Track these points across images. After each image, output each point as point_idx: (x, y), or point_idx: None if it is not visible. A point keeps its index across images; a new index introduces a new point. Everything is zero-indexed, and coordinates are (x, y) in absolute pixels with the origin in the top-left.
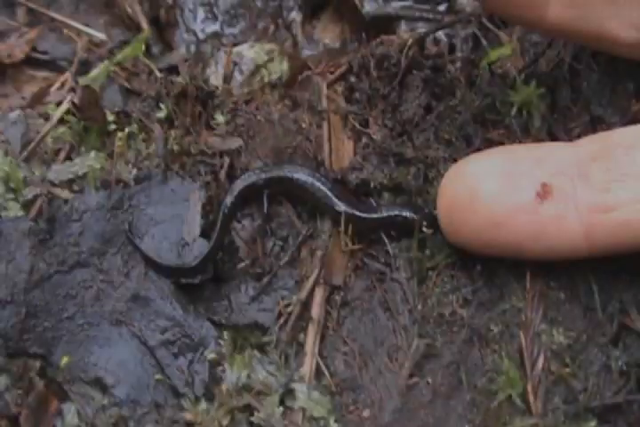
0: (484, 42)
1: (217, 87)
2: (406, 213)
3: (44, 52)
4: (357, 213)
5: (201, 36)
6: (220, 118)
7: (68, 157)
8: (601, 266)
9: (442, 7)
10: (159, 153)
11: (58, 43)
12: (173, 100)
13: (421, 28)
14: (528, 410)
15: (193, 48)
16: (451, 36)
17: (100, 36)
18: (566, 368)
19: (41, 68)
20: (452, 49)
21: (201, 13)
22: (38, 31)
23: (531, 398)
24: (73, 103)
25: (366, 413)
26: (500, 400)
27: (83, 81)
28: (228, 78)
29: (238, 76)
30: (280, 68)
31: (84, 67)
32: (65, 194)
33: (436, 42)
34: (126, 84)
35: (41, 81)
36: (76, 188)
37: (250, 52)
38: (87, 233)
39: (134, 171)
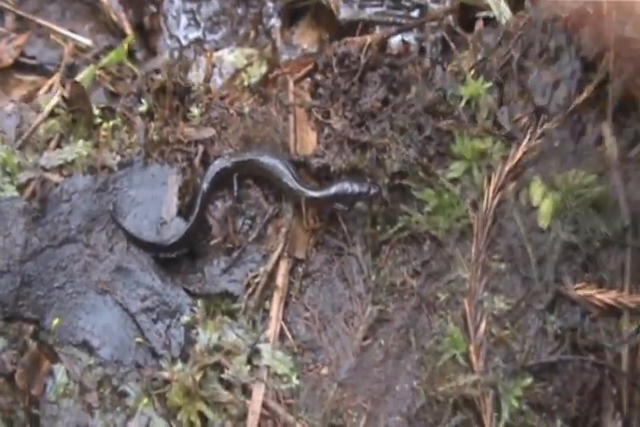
0: (452, 45)
1: (193, 84)
2: (352, 188)
3: (32, 57)
4: (310, 192)
5: (184, 42)
6: (195, 111)
7: (59, 146)
8: (538, 239)
9: (414, 13)
10: (140, 142)
11: (45, 48)
12: (153, 96)
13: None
14: (471, 368)
15: (176, 54)
16: (420, 39)
17: (86, 41)
18: (506, 331)
19: (29, 73)
20: (421, 52)
21: (184, 20)
22: (26, 37)
23: (473, 357)
24: (63, 97)
25: (325, 371)
26: (446, 360)
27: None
28: (208, 80)
29: (219, 80)
30: (259, 71)
31: (71, 71)
32: (56, 178)
33: (406, 44)
34: (111, 88)
35: (29, 85)
36: (65, 172)
37: (230, 57)
38: (75, 212)
39: (118, 158)
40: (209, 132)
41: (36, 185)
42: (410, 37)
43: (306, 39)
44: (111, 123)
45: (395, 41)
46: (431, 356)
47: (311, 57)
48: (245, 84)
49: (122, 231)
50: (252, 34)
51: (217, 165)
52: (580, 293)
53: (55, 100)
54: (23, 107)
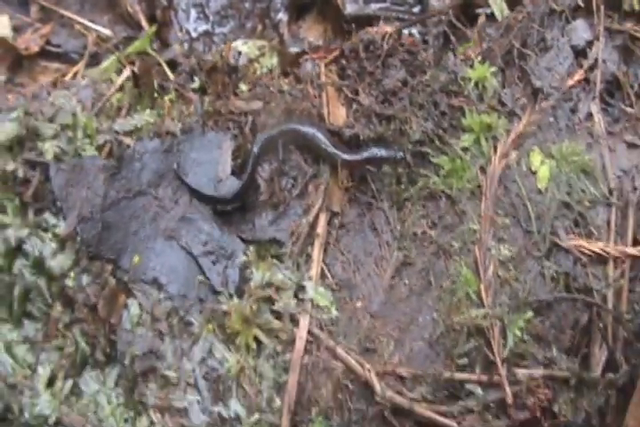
0: (453, 38)
1: (242, 65)
2: (381, 153)
3: (57, 46)
4: (344, 156)
5: (193, 34)
6: (243, 87)
7: (128, 114)
8: (537, 198)
9: (416, 9)
10: (198, 112)
11: (69, 37)
12: (206, 74)
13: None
14: (481, 303)
15: (186, 46)
16: (423, 33)
17: (106, 32)
18: (510, 273)
19: (54, 60)
20: (424, 44)
21: (193, 14)
22: (51, 27)
23: (483, 294)
24: (133, 71)
25: (359, 304)
26: (460, 296)
27: (91, 72)
28: (244, 68)
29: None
30: (270, 62)
31: (94, 59)
32: (128, 140)
33: (411, 37)
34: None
35: (54, 71)
36: (135, 136)
37: (243, 48)
38: (146, 170)
39: (179, 125)
40: (257, 104)
41: (111, 146)
42: (414, 31)
43: (312, 33)
44: (168, 97)
45: (404, 33)
46: (448, 293)
47: (331, 46)
48: (258, 73)
49: (185, 187)
50: (260, 27)
51: (265, 133)
52: (573, 243)
53: (126, 74)
54: (96, 80)
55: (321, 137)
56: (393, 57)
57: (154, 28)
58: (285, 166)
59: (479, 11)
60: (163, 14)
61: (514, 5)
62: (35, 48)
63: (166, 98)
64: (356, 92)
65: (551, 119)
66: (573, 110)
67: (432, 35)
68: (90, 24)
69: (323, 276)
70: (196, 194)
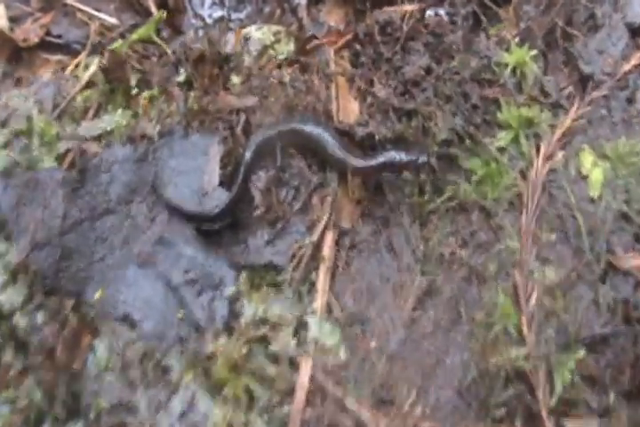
0: (484, 19)
1: (233, 53)
2: (400, 157)
3: (58, 36)
4: (356, 161)
5: (208, 21)
6: (235, 79)
7: (97, 115)
8: (589, 209)
9: None
10: (180, 111)
11: (71, 27)
12: (192, 65)
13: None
14: (522, 341)
15: (201, 33)
16: (451, 14)
17: (112, 20)
18: (557, 303)
19: (55, 52)
20: (452, 25)
21: None
22: (52, 16)
23: (525, 329)
24: (100, 66)
25: (373, 343)
26: (497, 332)
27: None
28: (237, 56)
29: (246, 57)
30: (287, 48)
31: (97, 50)
32: (94, 148)
33: (438, 17)
34: (137, 66)
35: (55, 64)
36: (104, 142)
37: (257, 34)
38: (115, 183)
39: (157, 127)
40: (251, 100)
41: (74, 155)
42: (441, 11)
43: (332, 17)
44: (148, 93)
45: (429, 13)
46: (482, 328)
47: (349, 27)
48: (274, 60)
49: (163, 202)
50: (278, 12)
51: (260, 135)
52: (633, 263)
53: (93, 68)
54: (60, 76)
55: (328, 138)
56: (415, 40)
57: (161, 14)
58: (285, 174)
59: None
60: (175, 0)
61: None
62: (34, 39)
63: (144, 94)
64: (371, 83)
65: (604, 112)
66: (630, 100)
67: (461, 15)
68: (94, 12)
69: (329, 308)
70: (176, 210)
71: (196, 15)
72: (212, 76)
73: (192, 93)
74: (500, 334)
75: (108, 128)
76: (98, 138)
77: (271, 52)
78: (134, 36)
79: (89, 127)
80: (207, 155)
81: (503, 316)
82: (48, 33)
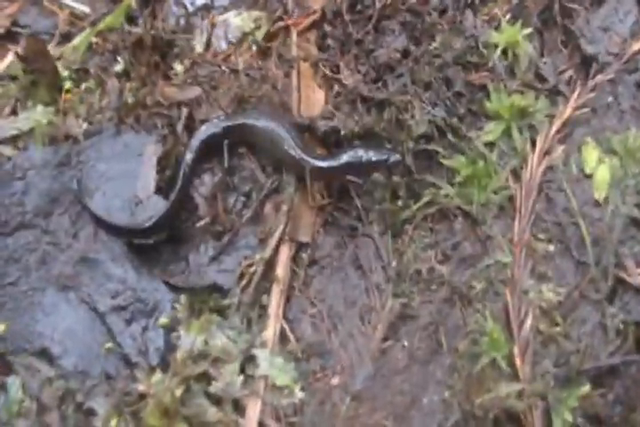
0: None
1: (177, 37)
2: (367, 156)
3: (25, 26)
4: (316, 162)
5: (190, 8)
6: (178, 68)
7: (14, 112)
8: (594, 214)
9: None
10: (112, 106)
11: (39, 17)
12: (130, 52)
13: None
14: (514, 375)
15: (182, 21)
16: None
17: (84, 8)
18: (557, 328)
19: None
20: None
21: None
22: (19, 5)
23: (517, 361)
24: (17, 54)
25: (336, 380)
26: (484, 365)
27: (63, 50)
28: (208, 44)
29: (224, 45)
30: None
31: (66, 40)
32: (8, 151)
33: None
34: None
35: None
36: (20, 144)
37: (236, 20)
38: (31, 192)
39: (85, 125)
40: (194, 91)
41: None
42: None
43: (318, 1)
44: (83, 86)
45: None
46: (466, 360)
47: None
48: (254, 48)
49: (88, 214)
50: None
51: (204, 131)
52: None
53: (9, 59)
54: None
55: (284, 134)
56: (390, 19)
57: (130, 1)
58: (233, 178)
59: None
60: None
61: None
62: (0, 30)
63: (68, 85)
64: (338, 69)
65: (610, 99)
66: None
67: None
68: (65, 0)
69: (283, 338)
70: (103, 223)
71: (178, 2)
72: (151, 64)
73: (128, 85)
74: (488, 368)
75: (26, 128)
76: (13, 139)
77: (250, 38)
78: (101, 26)
79: (3, 127)
80: (142, 156)
81: (491, 345)
82: (15, 23)
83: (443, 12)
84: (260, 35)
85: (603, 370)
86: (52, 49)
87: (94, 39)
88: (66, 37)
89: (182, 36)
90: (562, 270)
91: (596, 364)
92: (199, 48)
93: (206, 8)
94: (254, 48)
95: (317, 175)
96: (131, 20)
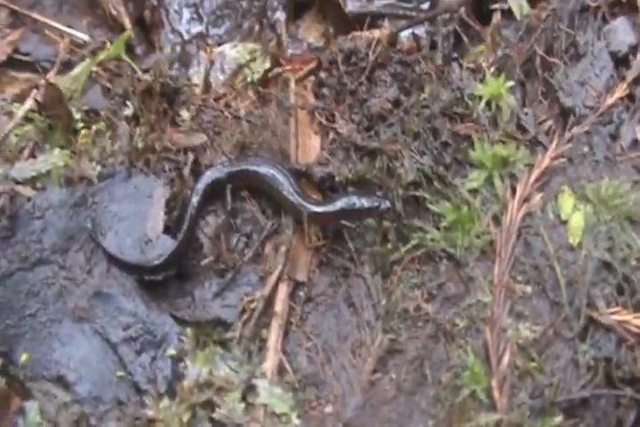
0: (466, 38)
1: (184, 84)
2: (360, 203)
3: (27, 54)
4: (313, 207)
5: (186, 36)
6: (185, 115)
7: (32, 155)
8: (568, 258)
9: (425, 5)
10: (124, 150)
11: (40, 44)
12: (140, 98)
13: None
14: (493, 406)
15: (178, 49)
16: (432, 33)
17: (83, 37)
18: (532, 363)
19: (23, 70)
20: (433, 46)
21: (186, 14)
22: (20, 33)
23: (496, 393)
24: (36, 101)
25: (329, 409)
26: (465, 396)
27: (61, 80)
28: (207, 76)
29: (220, 76)
30: (263, 67)
31: (67, 68)
32: (27, 191)
33: (417, 39)
34: (108, 85)
35: (23, 82)
36: (39, 185)
37: (232, 52)
38: (49, 230)
39: (98, 168)
40: (200, 138)
41: (5, 200)
42: (421, 31)
43: (312, 33)
44: (94, 128)
45: (404, 35)
46: (449, 391)
47: (315, 53)
48: (249, 80)
49: (101, 251)
50: (257, 28)
51: (209, 176)
52: (616, 318)
53: (29, 104)
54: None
55: (283, 181)
56: (382, 70)
57: (130, 33)
58: (236, 220)
59: (495, 6)
60: (152, 15)
61: (536, 1)
62: (2, 57)
63: (83, 131)
64: (333, 118)
65: (586, 149)
66: (614, 137)
67: (441, 35)
68: (64, 28)
69: (281, 370)
70: (115, 260)
71: (174, 30)
72: (159, 110)
73: (138, 130)
74: (469, 399)
75: (44, 169)
76: (32, 180)
77: (246, 71)
78: (102, 56)
79: (23, 168)
80: (151, 198)
81: (472, 378)
82: (16, 50)
83: (431, 60)
84: (256, 68)
85: (575, 402)
86: (52, 78)
87: (94, 68)
88: (66, 66)
89: (188, 83)
90: (538, 310)
91: (568, 396)
92: (197, 79)
93: (201, 36)
94: (250, 93)
95: (314, 219)
96: (129, 48)
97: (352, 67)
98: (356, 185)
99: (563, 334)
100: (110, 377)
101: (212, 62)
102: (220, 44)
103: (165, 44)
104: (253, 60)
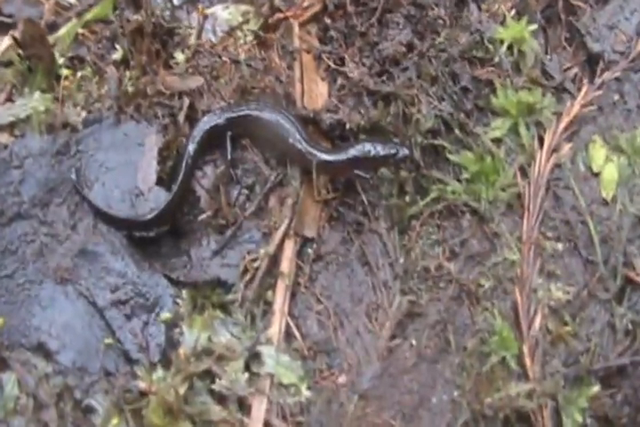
0: None
1: (179, 25)
2: (376, 150)
3: (10, 15)
4: (323, 155)
5: (176, 2)
6: (179, 57)
7: (10, 99)
8: (602, 213)
9: None
10: (112, 94)
11: (24, 5)
12: (130, 39)
13: None
14: (524, 374)
15: (168, 14)
16: None
17: None
18: (566, 327)
19: (6, 32)
20: None
21: None
22: None
23: (527, 360)
24: (14, 38)
25: (342, 379)
26: (493, 364)
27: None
28: (199, 37)
29: (212, 38)
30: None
31: (52, 30)
32: (4, 138)
33: None
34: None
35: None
36: (17, 132)
37: (224, 13)
38: (29, 181)
39: (83, 113)
40: (196, 81)
41: None
42: None
43: None
44: (79, 74)
45: None
46: (474, 359)
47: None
48: (242, 42)
49: (87, 205)
50: None
51: (206, 122)
52: None
53: (6, 43)
54: None
55: (289, 127)
56: (394, 12)
57: None
58: (237, 170)
59: None
60: None
61: None
62: None
63: (66, 73)
64: (342, 61)
65: (616, 97)
66: None
67: None
68: None
69: (288, 336)
70: (102, 215)
71: None
72: (151, 52)
73: (128, 73)
74: (497, 367)
75: (23, 115)
76: (9, 126)
77: (238, 33)
78: (89, 16)
79: None
80: (142, 147)
81: (500, 344)
82: None
83: (446, 5)
84: (253, 26)
85: (611, 370)
86: None
87: (81, 30)
88: (51, 27)
89: (183, 24)
90: (570, 269)
91: (605, 364)
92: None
93: (192, 1)
94: (250, 39)
95: (324, 169)
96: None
97: (362, 7)
98: (369, 133)
99: (598, 296)
100: (97, 345)
101: (204, 17)
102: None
103: (154, 9)
104: (246, 21)
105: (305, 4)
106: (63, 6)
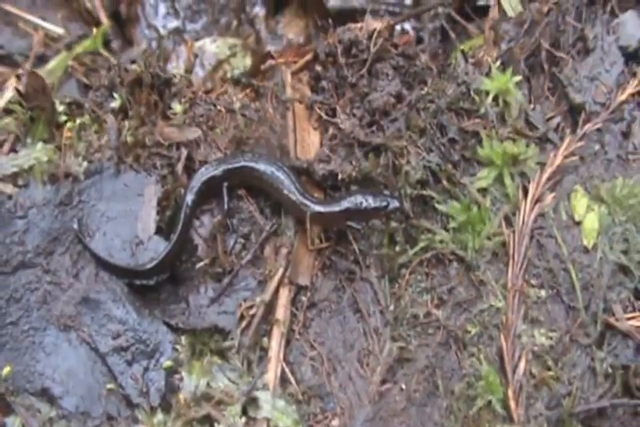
0: (453, 35)
1: (174, 75)
2: (367, 202)
3: (0, 47)
4: (316, 206)
5: (162, 31)
6: (177, 108)
7: (13, 149)
8: (583, 260)
9: (408, 1)
10: (112, 145)
11: (14, 37)
12: (128, 89)
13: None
14: (509, 417)
15: (154, 44)
16: (418, 29)
17: (58, 30)
18: (549, 371)
19: None
20: (419, 42)
21: (162, 9)
22: None
23: (512, 404)
24: (18, 90)
25: (335, 422)
26: (479, 407)
27: (42, 73)
28: (189, 72)
29: (200, 72)
30: (243, 62)
31: (41, 62)
32: (9, 189)
33: (405, 34)
34: (84, 80)
35: None
36: (20, 182)
37: (212, 47)
38: (33, 231)
39: (84, 164)
40: (194, 132)
41: None
42: (407, 26)
43: (292, 29)
44: (78, 121)
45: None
46: (462, 402)
47: (309, 45)
48: (229, 75)
49: (89, 254)
50: (235, 23)
51: (204, 173)
52: (633, 324)
53: (9, 94)
54: None
55: (283, 178)
56: (383, 62)
57: (108, 26)
58: (233, 220)
59: (481, 2)
60: (128, 10)
61: None
62: None
63: (68, 125)
64: (333, 112)
65: (597, 147)
66: (626, 134)
67: (428, 31)
68: (39, 21)
69: (284, 381)
70: (103, 264)
71: (150, 25)
72: (150, 102)
73: (127, 123)
74: (484, 410)
75: (26, 165)
76: (13, 177)
77: (226, 66)
78: (79, 49)
79: (2, 164)
80: (142, 197)
81: (486, 388)
82: None
83: (434, 54)
84: (236, 64)
85: (592, 413)
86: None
87: (71, 62)
88: (41, 60)
89: (180, 75)
90: (553, 315)
91: (586, 407)
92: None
93: (178, 31)
94: (238, 85)
95: (317, 220)
96: (105, 43)
97: (352, 59)
98: (361, 183)
99: (579, 341)
100: (99, 390)
101: (195, 56)
102: (197, 39)
103: (141, 40)
104: (234, 55)
105: (298, 49)
106: (52, 37)
